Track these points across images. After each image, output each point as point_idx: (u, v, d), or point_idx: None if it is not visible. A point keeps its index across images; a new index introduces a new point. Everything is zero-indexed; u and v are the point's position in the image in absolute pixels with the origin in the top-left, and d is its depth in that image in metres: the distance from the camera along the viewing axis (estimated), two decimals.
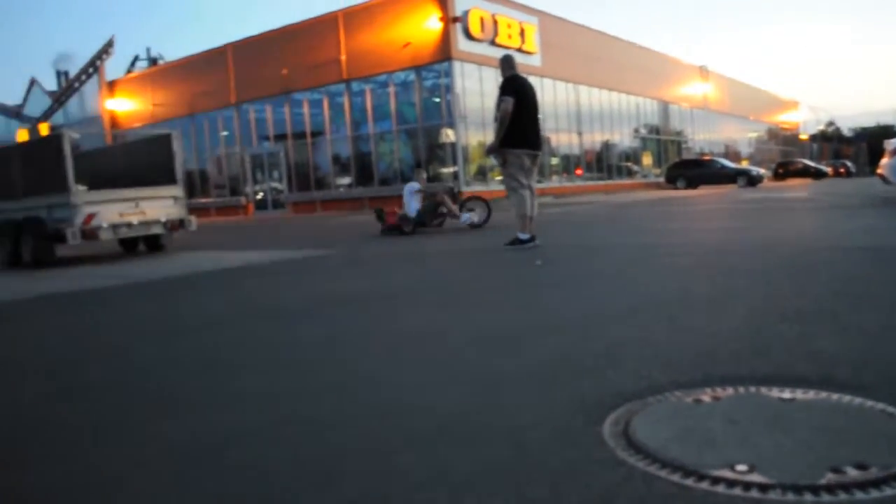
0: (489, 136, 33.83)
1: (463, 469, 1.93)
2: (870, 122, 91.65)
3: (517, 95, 7.88)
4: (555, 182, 33.30)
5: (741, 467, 1.80)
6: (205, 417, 2.58)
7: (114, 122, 40.26)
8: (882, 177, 13.98)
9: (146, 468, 2.13)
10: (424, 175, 14.23)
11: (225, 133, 36.60)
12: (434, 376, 2.89)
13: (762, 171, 35.63)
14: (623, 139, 40.18)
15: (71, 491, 2.01)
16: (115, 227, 11.07)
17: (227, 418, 2.53)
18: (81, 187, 10.90)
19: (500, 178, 31.23)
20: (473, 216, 12.59)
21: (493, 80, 30.12)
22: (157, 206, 11.58)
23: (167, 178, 11.98)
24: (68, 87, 43.44)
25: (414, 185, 12.76)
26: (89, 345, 4.24)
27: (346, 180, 31.76)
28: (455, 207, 12.61)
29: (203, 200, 35.80)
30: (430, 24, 27.71)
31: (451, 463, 1.98)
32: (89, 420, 2.67)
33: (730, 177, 33.52)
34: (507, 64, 8.23)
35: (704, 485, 1.74)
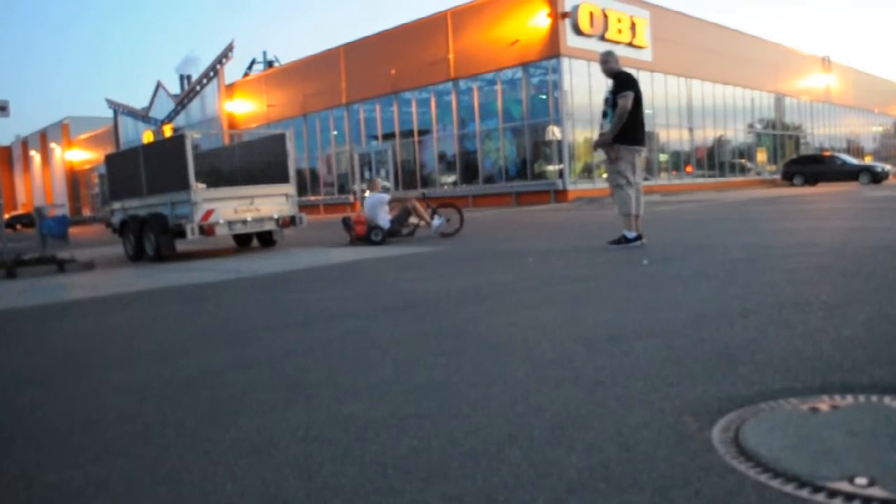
0: (596, 133, 33.09)
1: (568, 469, 1.93)
2: None
3: (635, 91, 7.79)
4: (663, 179, 32.51)
5: (860, 480, 1.72)
6: (328, 406, 2.68)
7: (231, 123, 42.04)
8: None
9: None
10: (386, 184, 13.77)
11: (335, 132, 37.60)
12: (541, 374, 2.89)
13: (887, 167, 33.52)
14: (736, 135, 38.77)
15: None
16: (230, 223, 11.58)
17: (350, 408, 2.62)
18: (200, 185, 11.45)
19: (604, 176, 30.78)
20: (445, 224, 12.21)
21: (601, 76, 29.54)
22: (271, 203, 12.03)
23: (280, 176, 12.43)
24: (190, 91, 45.73)
25: (383, 197, 12.31)
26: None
27: (451, 178, 32.03)
28: (427, 215, 12.21)
29: (312, 198, 36.96)
30: (538, 21, 27.57)
31: (557, 463, 1.98)
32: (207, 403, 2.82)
33: (851, 174, 31.72)
34: (613, 59, 8.11)
35: (820, 497, 1.68)
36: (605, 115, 8.03)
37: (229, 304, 6.04)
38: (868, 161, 40.56)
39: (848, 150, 45.79)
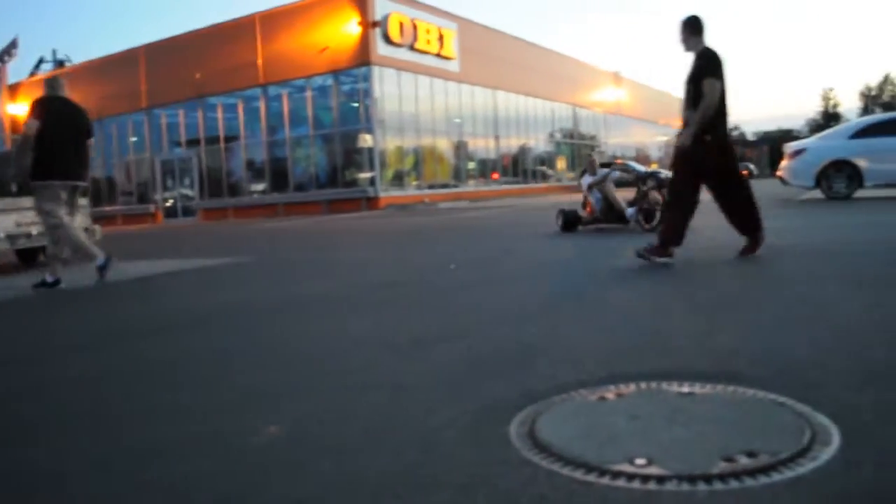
0: (407, 141, 33.13)
1: (373, 473, 1.93)
2: (772, 127, 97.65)
3: (47, 118, 7.14)
4: (471, 186, 33.60)
5: (640, 461, 1.86)
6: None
7: (15, 127, 38.46)
8: (782, 178, 14.87)
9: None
10: (597, 160, 11.91)
11: (134, 138, 35.54)
12: (348, 382, 2.87)
13: (671, 174, 36.65)
14: (539, 143, 40.91)
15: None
16: (12, 237, 10.58)
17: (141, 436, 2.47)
18: None
19: (414, 183, 31.12)
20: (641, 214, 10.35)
21: (412, 84, 30.36)
22: None
23: None
24: None
25: (585, 180, 10.95)
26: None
27: (260, 186, 31.27)
28: (620, 201, 10.72)
29: (108, 208, 34.57)
30: (348, 29, 27.58)
31: (362, 468, 1.97)
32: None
33: (640, 179, 34.31)
34: (48, 85, 7.49)
35: (605, 479, 1.79)
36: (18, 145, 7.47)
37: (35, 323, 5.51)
38: (654, 168, 44.03)
39: (636, 158, 49.69)
